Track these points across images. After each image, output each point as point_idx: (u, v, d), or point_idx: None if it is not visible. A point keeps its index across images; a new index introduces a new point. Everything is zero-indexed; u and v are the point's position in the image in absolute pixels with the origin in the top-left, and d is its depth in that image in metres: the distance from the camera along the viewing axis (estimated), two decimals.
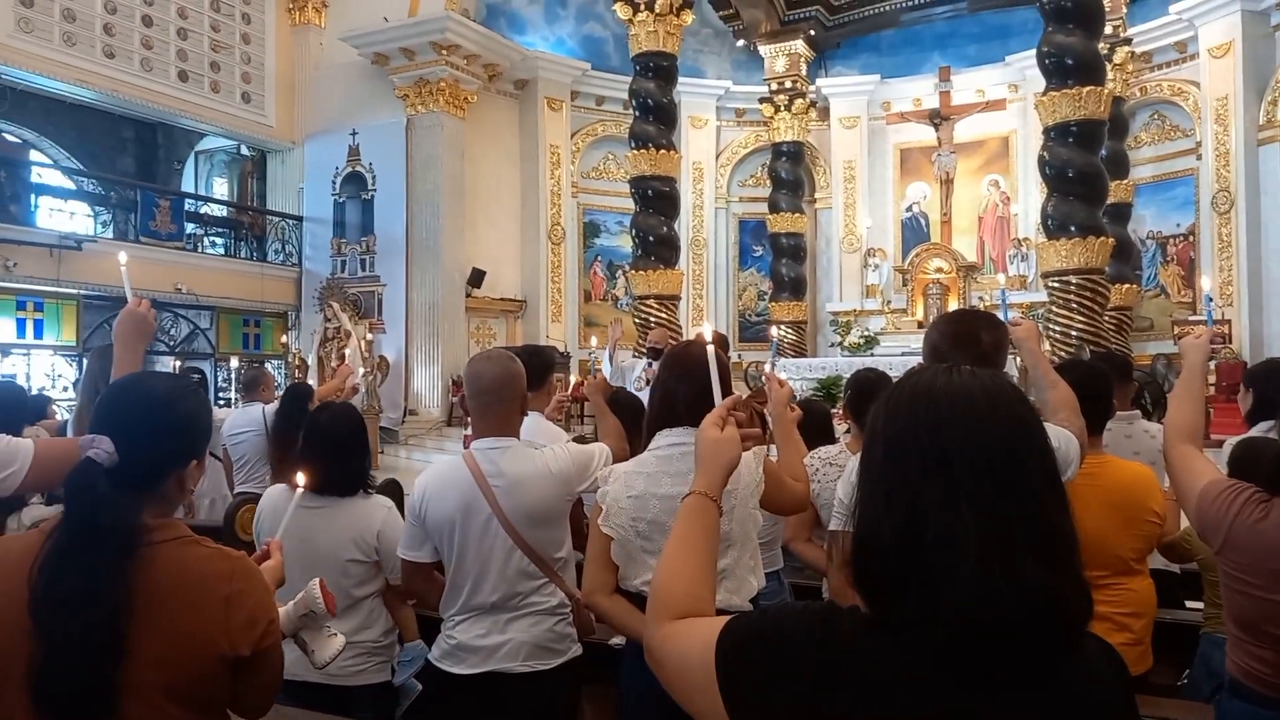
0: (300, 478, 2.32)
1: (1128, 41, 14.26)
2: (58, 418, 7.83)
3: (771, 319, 17.01)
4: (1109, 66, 12.44)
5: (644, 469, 2.33)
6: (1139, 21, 14.42)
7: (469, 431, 2.86)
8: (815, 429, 3.75)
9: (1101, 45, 11.40)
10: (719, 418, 1.51)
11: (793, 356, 15.73)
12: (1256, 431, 3.28)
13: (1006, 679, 0.95)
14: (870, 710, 0.97)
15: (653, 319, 13.11)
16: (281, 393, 6.06)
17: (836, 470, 3.17)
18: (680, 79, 14.34)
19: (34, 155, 16.31)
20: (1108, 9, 11.91)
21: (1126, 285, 13.91)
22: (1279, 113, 13.14)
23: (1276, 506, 1.99)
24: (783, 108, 16.76)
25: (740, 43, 17.37)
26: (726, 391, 1.71)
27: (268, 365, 14.08)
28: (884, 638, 0.99)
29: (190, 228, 15.18)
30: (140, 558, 1.48)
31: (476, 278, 15.12)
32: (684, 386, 2.33)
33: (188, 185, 17.43)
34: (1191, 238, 14.23)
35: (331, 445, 2.84)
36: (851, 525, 1.08)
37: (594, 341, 6.75)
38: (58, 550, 1.44)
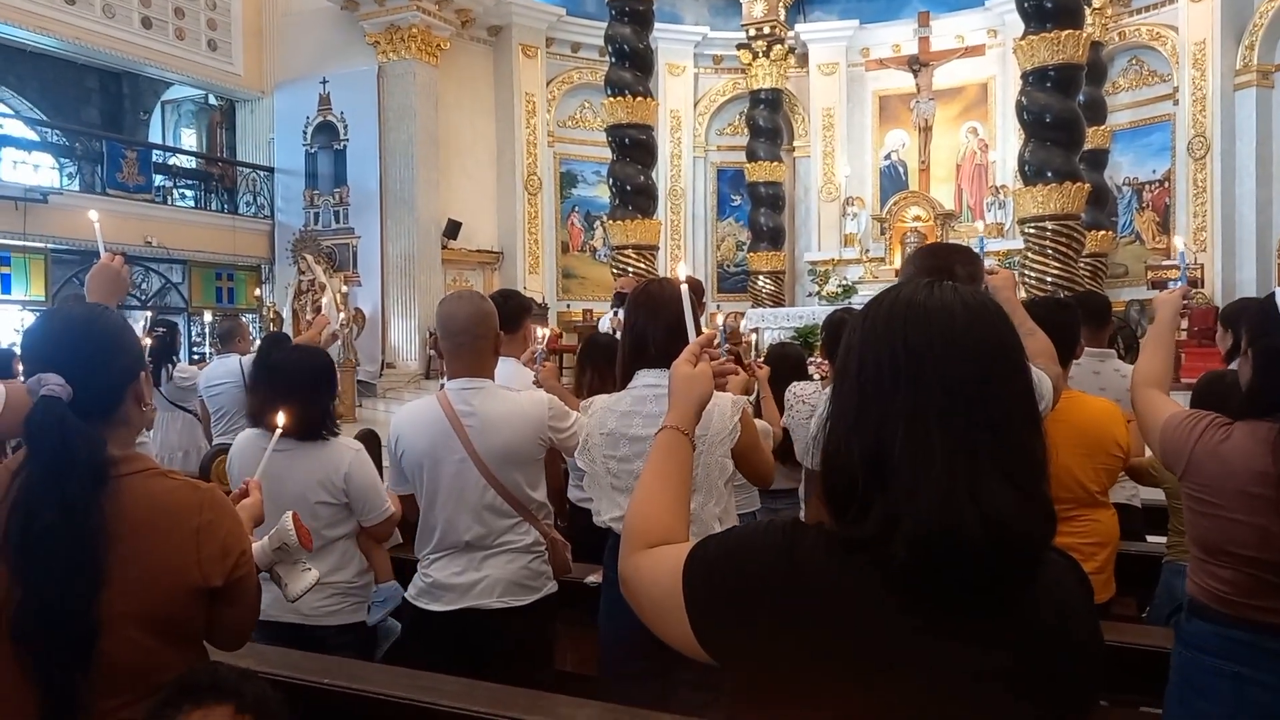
0: (280, 418, 2.31)
1: None
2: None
3: (750, 269, 17.00)
4: (1088, 10, 12.33)
5: (618, 407, 2.34)
6: None
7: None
8: (791, 369, 3.79)
9: None
10: (692, 354, 1.50)
11: (771, 306, 15.75)
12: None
13: (967, 599, 0.94)
14: (832, 629, 0.96)
15: (631, 269, 13.05)
16: (258, 344, 6.04)
17: (809, 408, 3.20)
18: (657, 25, 14.10)
19: None
20: None
21: (1102, 232, 13.94)
22: (1256, 57, 13.12)
23: (1238, 430, 2.06)
24: (761, 54, 16.54)
25: None
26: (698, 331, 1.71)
27: (242, 318, 13.97)
28: (847, 557, 0.98)
29: (159, 180, 14.87)
30: (109, 491, 1.47)
31: (452, 229, 14.96)
32: (653, 324, 2.34)
33: (155, 136, 17.04)
34: (1167, 184, 14.27)
35: (292, 387, 2.80)
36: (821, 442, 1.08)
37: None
38: (29, 488, 1.42)
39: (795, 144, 17.48)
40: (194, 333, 14.09)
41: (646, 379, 2.33)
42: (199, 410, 6.10)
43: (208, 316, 11.08)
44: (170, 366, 6.31)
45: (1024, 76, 10.79)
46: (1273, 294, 2.52)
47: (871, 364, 1.01)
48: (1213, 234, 13.34)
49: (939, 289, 1.04)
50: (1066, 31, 10.35)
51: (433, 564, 2.57)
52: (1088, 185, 11.18)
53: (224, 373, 5.85)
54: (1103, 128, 14.09)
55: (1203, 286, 12.99)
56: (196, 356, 13.04)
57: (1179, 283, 2.78)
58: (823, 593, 0.98)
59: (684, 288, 1.73)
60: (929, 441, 0.95)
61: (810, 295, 16.09)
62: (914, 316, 1.01)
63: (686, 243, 17.41)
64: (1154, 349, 2.48)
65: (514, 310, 3.67)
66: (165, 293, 14.56)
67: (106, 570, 1.43)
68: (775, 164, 16.68)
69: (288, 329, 13.18)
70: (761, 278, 16.73)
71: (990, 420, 0.97)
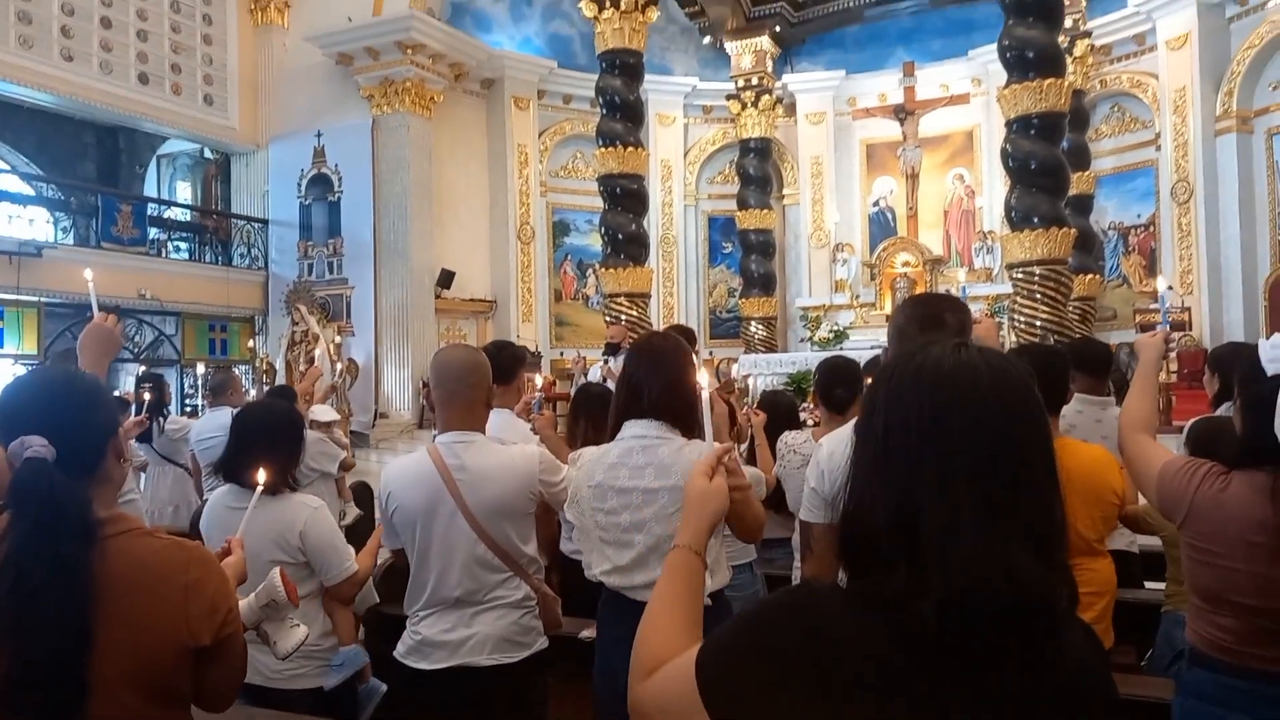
0: (261, 474, 2.29)
1: (1087, 34, 14.46)
2: None
3: (742, 315, 17.11)
4: (1069, 59, 12.60)
5: (605, 459, 2.33)
6: (1098, 14, 14.61)
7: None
8: (784, 417, 3.80)
9: (1062, 38, 11.55)
10: (708, 467, 1.45)
11: (764, 352, 15.80)
12: (1220, 414, 3.32)
13: (993, 659, 0.95)
14: (856, 683, 0.95)
15: (624, 317, 13.10)
16: (250, 396, 6.03)
17: (800, 458, 3.19)
18: (647, 76, 14.37)
19: None
20: (1067, 2, 12.06)
21: (1090, 275, 14.09)
22: (1235, 103, 13.37)
23: (1236, 478, 2.06)
24: (749, 104, 16.82)
25: (706, 40, 17.41)
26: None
27: (235, 370, 13.93)
28: (868, 614, 0.97)
29: (153, 232, 14.96)
30: (97, 551, 1.45)
31: (446, 279, 15.03)
32: (652, 377, 2.34)
33: (150, 189, 17.18)
34: (1152, 228, 14.45)
35: (253, 442, 2.78)
36: (828, 514, 1.07)
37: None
38: (19, 549, 1.41)
39: (785, 191, 17.69)
40: (186, 385, 14.04)
41: (634, 429, 2.33)
42: (190, 464, 6.05)
43: (200, 368, 11.05)
44: (162, 420, 6.28)
45: (1008, 124, 10.97)
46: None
47: (898, 425, 1.01)
48: (1199, 276, 13.47)
49: (965, 351, 1.04)
50: (1049, 80, 10.55)
51: (422, 621, 2.52)
52: (1074, 230, 11.33)
53: (215, 426, 5.79)
54: (1087, 173, 14.33)
55: (1191, 329, 13.08)
56: (189, 409, 12.97)
57: (1161, 326, 2.79)
58: (844, 647, 0.96)
59: (705, 393, 1.71)
60: (956, 504, 0.95)
61: (802, 340, 16.16)
62: (941, 379, 1.01)
63: (678, 290, 17.53)
64: (1139, 393, 2.48)
65: (508, 361, 3.66)
66: (158, 345, 14.55)
67: (95, 631, 1.41)
68: (765, 211, 16.88)
69: (280, 380, 13.16)
70: (754, 324, 16.83)
71: (1016, 482, 0.97)
